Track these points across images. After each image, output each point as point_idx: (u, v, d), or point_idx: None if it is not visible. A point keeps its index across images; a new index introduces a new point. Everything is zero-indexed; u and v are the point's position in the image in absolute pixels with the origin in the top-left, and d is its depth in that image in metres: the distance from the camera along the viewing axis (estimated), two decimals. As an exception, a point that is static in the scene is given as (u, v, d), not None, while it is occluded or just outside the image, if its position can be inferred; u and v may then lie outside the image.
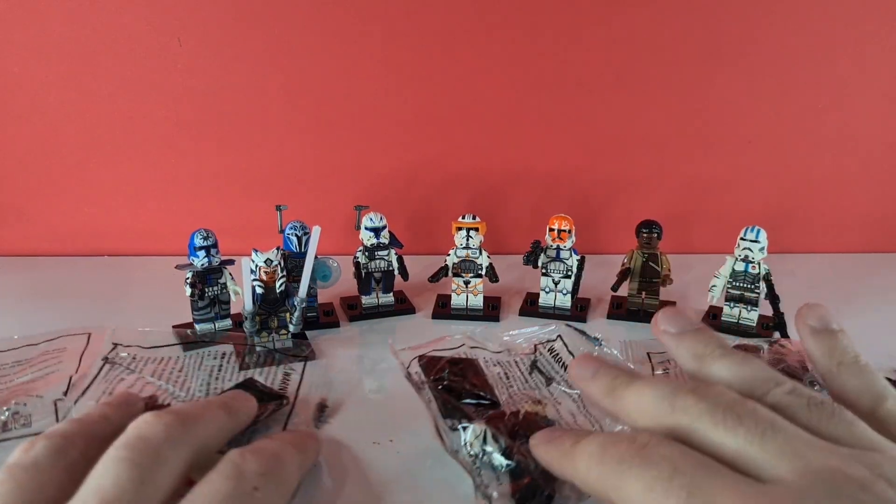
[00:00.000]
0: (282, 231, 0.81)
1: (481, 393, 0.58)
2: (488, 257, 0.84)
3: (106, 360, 0.68)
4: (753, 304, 0.79)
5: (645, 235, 0.82)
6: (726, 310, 0.81)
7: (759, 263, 0.78)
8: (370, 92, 0.97)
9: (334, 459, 0.58)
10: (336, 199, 1.00)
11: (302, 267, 0.74)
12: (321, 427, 0.62)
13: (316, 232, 0.74)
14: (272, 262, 0.72)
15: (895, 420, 0.39)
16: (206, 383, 0.66)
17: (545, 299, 0.85)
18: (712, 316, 0.83)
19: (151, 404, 0.57)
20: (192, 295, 0.75)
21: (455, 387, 0.58)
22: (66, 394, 0.62)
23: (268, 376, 0.68)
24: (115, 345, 0.70)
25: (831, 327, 0.46)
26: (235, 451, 0.43)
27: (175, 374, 0.67)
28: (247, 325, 0.72)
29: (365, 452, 0.59)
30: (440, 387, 0.58)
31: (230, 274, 0.77)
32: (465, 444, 0.51)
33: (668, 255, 0.83)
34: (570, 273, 0.83)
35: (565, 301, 0.84)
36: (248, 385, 0.63)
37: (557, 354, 0.64)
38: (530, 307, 0.86)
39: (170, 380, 0.66)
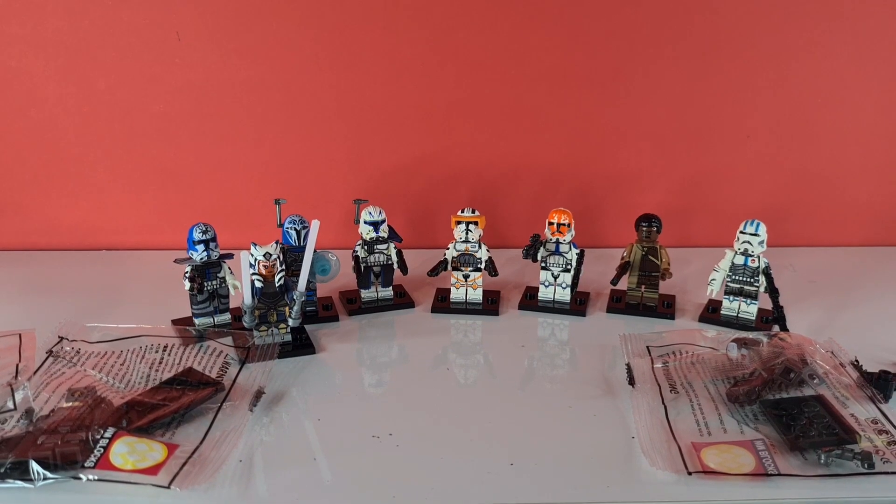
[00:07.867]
0: (281, 225, 0.81)
1: None
2: (487, 251, 0.84)
3: (50, 352, 0.70)
4: (753, 297, 0.79)
5: (644, 229, 0.82)
6: (726, 303, 0.81)
7: (758, 257, 0.78)
8: (369, 86, 0.97)
9: (334, 453, 0.59)
10: (335, 193, 0.99)
11: (301, 261, 0.74)
12: (254, 411, 0.63)
13: (315, 226, 0.73)
14: (271, 255, 0.72)
15: None
16: (145, 375, 0.69)
17: (544, 293, 0.85)
18: (711, 309, 0.83)
19: (88, 395, 0.62)
20: (191, 289, 0.75)
21: None
22: (16, 377, 0.66)
23: (206, 365, 0.70)
24: (61, 338, 0.73)
25: None
26: None
27: (116, 367, 0.70)
28: (246, 319, 0.72)
29: (365, 446, 0.59)
30: None
31: (229, 268, 0.77)
32: None
33: (668, 249, 0.83)
34: (569, 267, 0.83)
35: (565, 295, 0.84)
36: (187, 374, 0.67)
37: None
38: (529, 301, 0.85)
39: (110, 372, 0.68)
